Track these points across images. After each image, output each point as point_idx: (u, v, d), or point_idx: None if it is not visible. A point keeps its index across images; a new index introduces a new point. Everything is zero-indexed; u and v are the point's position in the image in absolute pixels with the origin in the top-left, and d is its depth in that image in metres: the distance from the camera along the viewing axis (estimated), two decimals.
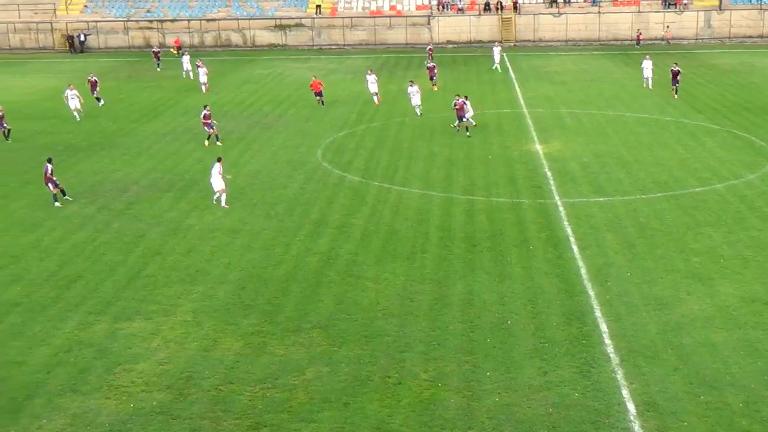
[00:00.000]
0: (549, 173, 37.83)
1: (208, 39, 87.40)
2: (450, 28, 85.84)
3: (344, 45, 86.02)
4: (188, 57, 68.94)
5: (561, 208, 32.84)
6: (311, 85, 54.54)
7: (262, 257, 28.49)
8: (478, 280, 26.13)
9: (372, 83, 54.69)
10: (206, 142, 44.52)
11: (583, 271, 26.60)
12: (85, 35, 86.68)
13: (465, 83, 62.25)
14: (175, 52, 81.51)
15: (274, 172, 39.21)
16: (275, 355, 21.70)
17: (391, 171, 38.80)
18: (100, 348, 22.27)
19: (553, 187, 35.69)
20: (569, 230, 30.33)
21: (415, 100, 50.09)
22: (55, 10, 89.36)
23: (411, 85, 50.89)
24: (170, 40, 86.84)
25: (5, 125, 46.61)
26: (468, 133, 41.84)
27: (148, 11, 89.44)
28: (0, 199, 35.00)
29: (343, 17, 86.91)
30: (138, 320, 23.88)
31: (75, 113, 51.86)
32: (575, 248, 28.53)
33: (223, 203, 33.74)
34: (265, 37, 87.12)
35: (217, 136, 44.98)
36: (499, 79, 64.19)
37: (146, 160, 42.05)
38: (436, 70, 60.85)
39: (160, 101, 58.27)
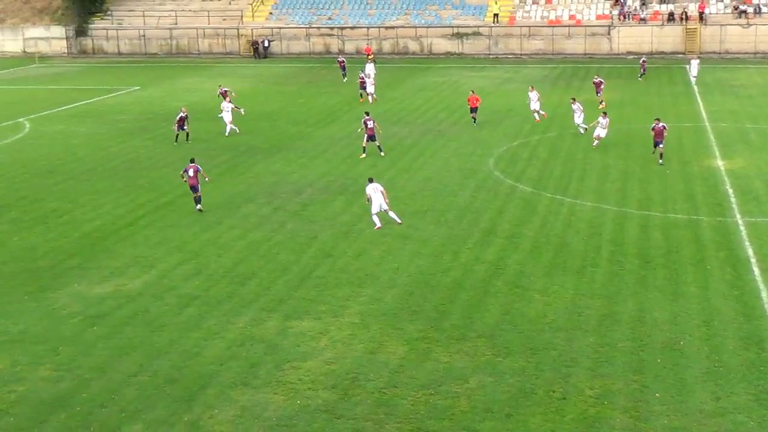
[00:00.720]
0: (730, 190, 36.32)
1: (386, 46, 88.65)
2: (631, 38, 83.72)
3: (521, 54, 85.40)
4: (373, 64, 67.86)
5: (742, 228, 31.48)
6: (468, 100, 52.64)
7: (430, 264, 28.63)
8: (650, 297, 25.37)
9: (534, 101, 52.20)
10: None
11: (764, 294, 25.37)
12: (269, 41, 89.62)
13: (644, 95, 60.65)
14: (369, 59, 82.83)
15: (445, 179, 39.35)
16: (439, 361, 21.75)
17: (564, 182, 38.23)
18: (270, 344, 22.94)
19: (734, 205, 34.24)
20: (750, 251, 29.01)
21: (577, 118, 47.91)
22: (242, 16, 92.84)
23: (573, 103, 48.80)
24: (349, 47, 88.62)
25: (185, 127, 48.33)
26: (661, 161, 39.66)
27: (329, 18, 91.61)
28: (182, 197, 36.61)
29: (521, 26, 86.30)
30: (307, 319, 24.46)
31: (229, 126, 50.19)
32: (756, 270, 27.25)
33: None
34: (442, 45, 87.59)
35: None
36: (681, 92, 62.16)
37: (321, 163, 43.05)
38: (602, 86, 57.76)
39: (337, 106, 59.54)
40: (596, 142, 44.06)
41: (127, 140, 49.74)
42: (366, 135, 43.46)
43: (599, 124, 43.94)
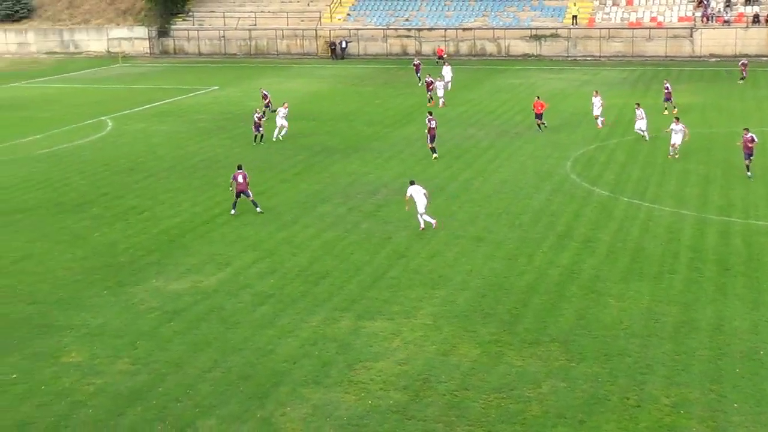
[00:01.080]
0: None
1: (463, 48, 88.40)
2: (713, 40, 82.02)
3: (600, 56, 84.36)
4: (450, 68, 66.52)
5: None
6: (533, 105, 51.03)
7: (504, 266, 28.46)
8: (730, 305, 24.82)
9: (597, 107, 50.76)
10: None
11: None
12: (347, 42, 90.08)
13: (727, 99, 59.37)
14: (439, 60, 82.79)
15: (521, 181, 39.08)
16: (512, 365, 21.60)
17: (642, 187, 37.63)
18: (342, 344, 23.05)
19: None
20: None
21: (640, 123, 46.49)
22: (320, 18, 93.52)
23: (637, 108, 47.19)
24: (426, 48, 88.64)
25: (261, 129, 48.40)
26: (749, 174, 38.37)
27: (407, 20, 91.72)
28: (258, 196, 37.01)
29: (600, 28, 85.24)
30: (380, 320, 24.51)
31: (278, 132, 49.47)
32: None
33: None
34: (520, 46, 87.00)
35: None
36: (764, 96, 60.67)
37: (396, 164, 43.11)
38: (670, 92, 54.62)
39: (413, 107, 59.51)
40: (672, 150, 42.36)
41: (206, 139, 50.48)
42: (429, 135, 43.77)
43: (673, 131, 42.38)
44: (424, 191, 32.07)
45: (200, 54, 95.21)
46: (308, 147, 47.28)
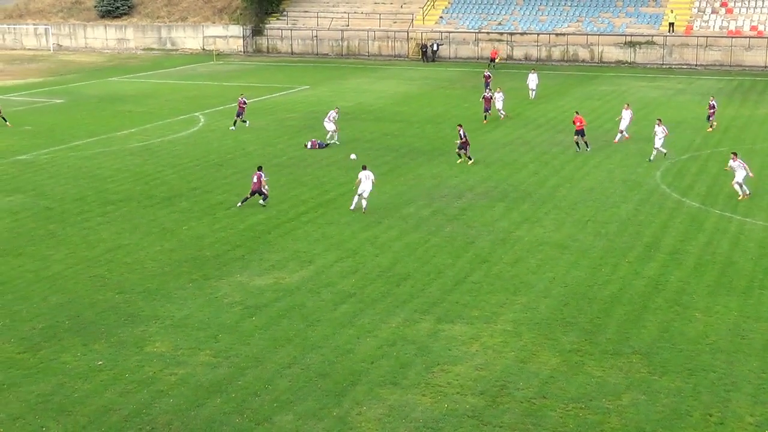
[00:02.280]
0: None
1: (556, 53, 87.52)
2: None
3: (696, 65, 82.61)
4: (536, 74, 65.48)
5: None
6: (573, 121, 47.56)
7: (588, 275, 28.09)
8: None
9: (626, 120, 48.33)
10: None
11: None
12: (438, 45, 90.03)
13: None
14: (491, 63, 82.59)
15: (608, 190, 38.51)
16: (592, 375, 21.31)
17: (734, 199, 36.70)
18: (421, 346, 23.04)
19: None
20: None
21: (658, 141, 43.42)
22: (412, 20, 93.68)
23: (658, 125, 43.95)
24: (518, 53, 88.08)
25: (325, 142, 48.23)
26: None
27: (500, 24, 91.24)
28: (343, 195, 37.27)
29: (698, 36, 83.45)
30: (460, 324, 24.43)
31: (329, 136, 49.24)
32: None
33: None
34: (613, 53, 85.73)
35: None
36: None
37: (483, 168, 42.92)
38: (714, 110, 52.17)
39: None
40: (739, 190, 36.67)
41: (294, 137, 50.99)
42: (460, 143, 43.94)
43: (733, 169, 36.88)
44: (372, 178, 35.13)
45: (292, 53, 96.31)
46: (395, 148, 47.40)
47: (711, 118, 52.41)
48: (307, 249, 31.03)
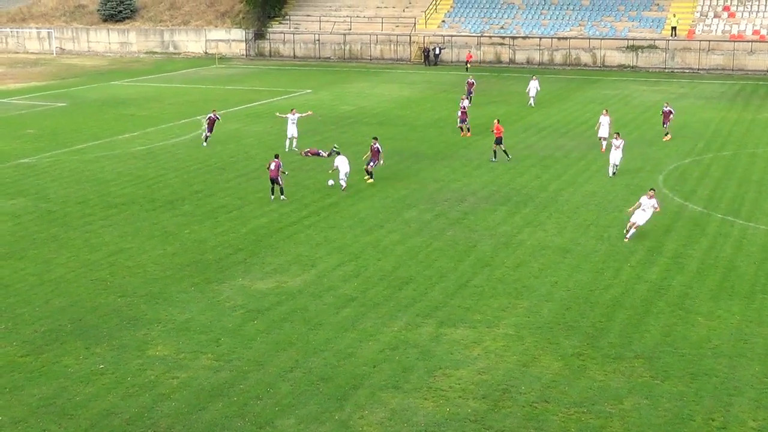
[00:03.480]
0: None
1: (558, 57, 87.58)
2: None
3: (698, 69, 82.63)
4: (537, 81, 64.76)
5: None
6: (492, 129, 45.89)
7: (590, 279, 28.08)
8: None
9: (604, 127, 46.85)
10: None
11: None
12: (440, 49, 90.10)
13: None
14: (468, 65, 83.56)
15: (610, 194, 38.50)
16: (594, 380, 21.29)
17: (737, 204, 36.71)
18: (423, 350, 23.03)
19: None
20: None
21: (614, 156, 40.99)
22: (415, 24, 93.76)
23: (617, 138, 41.35)
24: (520, 57, 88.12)
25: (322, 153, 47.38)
26: None
27: (502, 27, 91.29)
28: (346, 199, 37.27)
29: (700, 40, 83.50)
30: (462, 328, 24.42)
31: (288, 141, 48.14)
32: None
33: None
34: (615, 57, 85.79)
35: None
36: None
37: (485, 172, 42.91)
38: (671, 116, 50.08)
39: (504, 115, 58.97)
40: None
41: (296, 141, 50.90)
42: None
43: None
44: (348, 162, 38.42)
45: (295, 57, 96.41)
46: (397, 152, 47.38)
47: (666, 125, 50.28)
48: (309, 253, 31.02)
